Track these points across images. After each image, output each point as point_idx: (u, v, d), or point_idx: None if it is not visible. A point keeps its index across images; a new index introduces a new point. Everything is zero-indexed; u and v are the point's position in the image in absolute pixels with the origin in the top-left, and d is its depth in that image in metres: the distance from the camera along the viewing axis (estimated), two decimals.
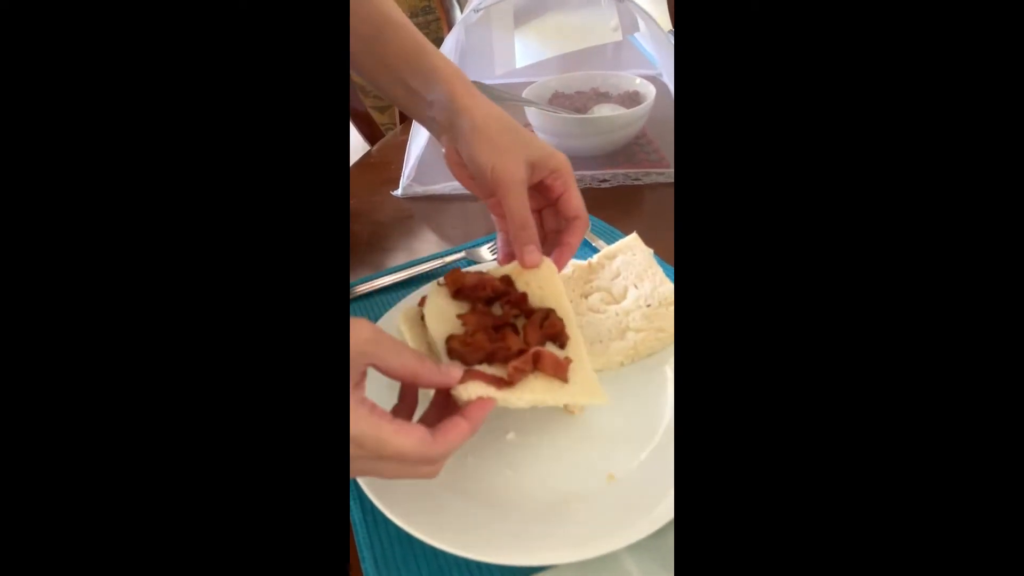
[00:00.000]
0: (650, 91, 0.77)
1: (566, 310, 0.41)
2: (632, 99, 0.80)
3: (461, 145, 0.46)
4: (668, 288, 0.49)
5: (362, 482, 0.37)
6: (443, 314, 0.41)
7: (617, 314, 0.49)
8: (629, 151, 0.79)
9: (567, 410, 0.43)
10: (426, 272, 0.60)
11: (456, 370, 0.34)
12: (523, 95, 0.78)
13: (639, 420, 0.41)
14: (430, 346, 0.41)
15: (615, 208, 0.70)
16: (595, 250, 0.62)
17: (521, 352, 0.37)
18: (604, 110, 0.77)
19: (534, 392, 0.36)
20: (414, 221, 0.73)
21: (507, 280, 0.43)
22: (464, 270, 0.44)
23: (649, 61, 0.91)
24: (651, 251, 0.52)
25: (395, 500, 0.36)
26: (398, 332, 0.45)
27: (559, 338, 0.40)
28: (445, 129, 0.48)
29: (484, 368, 0.37)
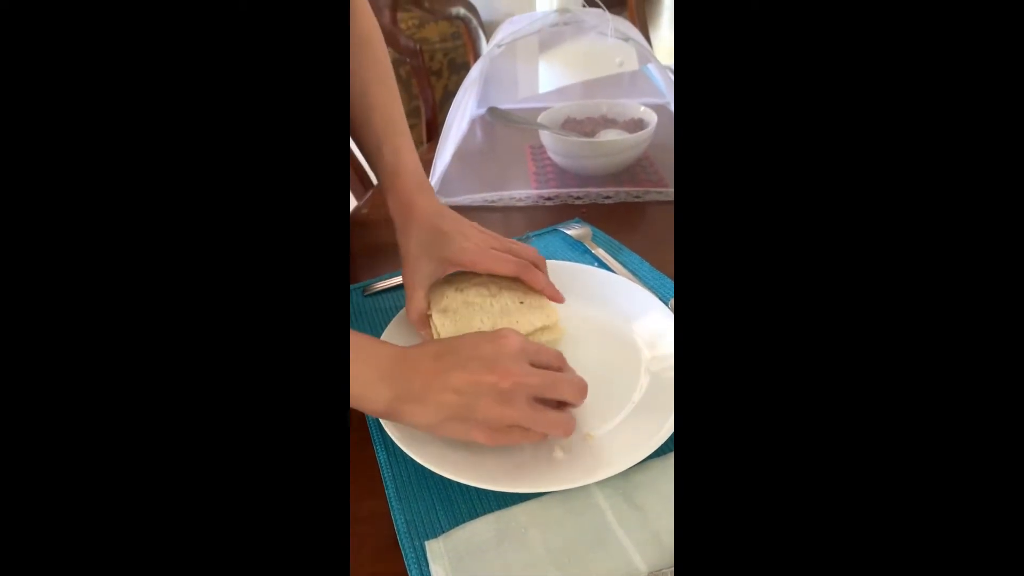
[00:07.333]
0: (652, 118, 0.86)
1: None
2: (637, 125, 0.89)
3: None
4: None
5: (384, 424, 0.46)
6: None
7: (492, 305, 0.53)
8: (632, 172, 0.87)
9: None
10: None
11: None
12: (538, 120, 0.88)
13: (611, 396, 0.49)
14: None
15: (617, 222, 0.79)
16: (596, 258, 0.71)
17: None
18: (610, 135, 0.86)
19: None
20: None
21: None
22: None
23: (660, 90, 1.00)
24: None
25: (413, 440, 0.44)
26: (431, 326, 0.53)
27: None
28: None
29: None
